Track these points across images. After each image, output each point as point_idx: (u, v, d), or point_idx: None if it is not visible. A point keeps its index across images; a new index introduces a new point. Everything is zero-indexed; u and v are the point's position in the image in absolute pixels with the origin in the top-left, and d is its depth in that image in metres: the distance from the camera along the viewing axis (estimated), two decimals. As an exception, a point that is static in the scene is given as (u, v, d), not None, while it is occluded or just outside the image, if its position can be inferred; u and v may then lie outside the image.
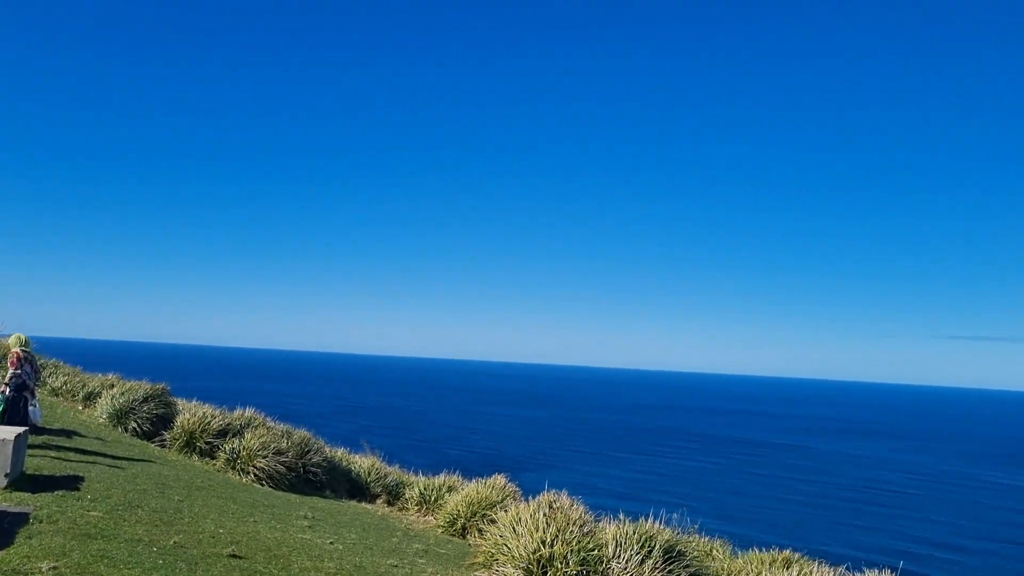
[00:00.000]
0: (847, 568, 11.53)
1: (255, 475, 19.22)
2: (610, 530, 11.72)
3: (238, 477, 19.13)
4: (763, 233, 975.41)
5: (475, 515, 17.36)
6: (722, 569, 12.84)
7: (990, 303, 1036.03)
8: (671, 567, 11.23)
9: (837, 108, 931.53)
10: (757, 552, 14.75)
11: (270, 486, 19.01)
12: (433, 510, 19.69)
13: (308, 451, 20.79)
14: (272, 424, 21.88)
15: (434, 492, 20.45)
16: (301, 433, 21.55)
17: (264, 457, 19.50)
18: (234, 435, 20.54)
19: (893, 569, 11.28)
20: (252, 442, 19.92)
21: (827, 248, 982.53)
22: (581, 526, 11.92)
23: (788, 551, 13.45)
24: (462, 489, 19.43)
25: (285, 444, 20.19)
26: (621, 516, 12.23)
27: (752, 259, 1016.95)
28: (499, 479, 18.81)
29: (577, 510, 12.55)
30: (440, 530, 17.73)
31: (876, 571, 11.33)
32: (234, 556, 10.51)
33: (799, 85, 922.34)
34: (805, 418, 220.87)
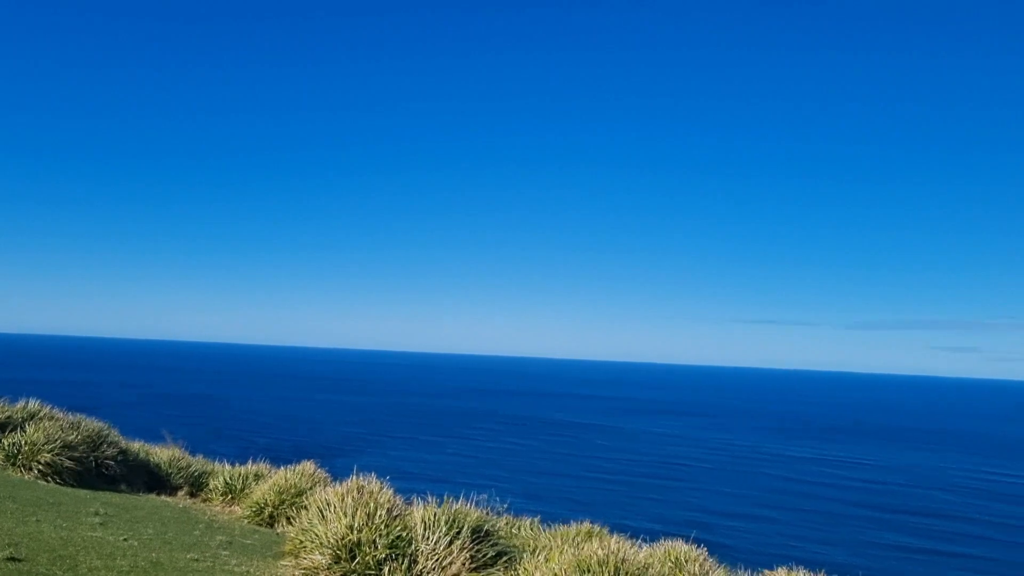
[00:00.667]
0: (643, 539, 12.17)
1: (39, 471, 17.84)
2: (419, 513, 11.77)
3: (20, 474, 17.70)
4: (580, 216, 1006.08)
5: (284, 503, 16.94)
6: (528, 545, 13.22)
7: (781, 290, 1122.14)
8: (479, 546, 11.42)
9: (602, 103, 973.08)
10: (562, 527, 15.30)
11: (57, 482, 17.70)
12: (239, 500, 19.03)
13: (101, 443, 19.50)
14: (60, 416, 20.36)
15: (240, 481, 19.75)
16: (92, 424, 20.17)
17: (50, 451, 18.15)
18: (14, 428, 18.99)
19: (685, 538, 12.01)
20: (35, 435, 18.48)
21: (639, 236, 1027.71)
22: (390, 510, 11.90)
23: (589, 523, 14.05)
24: (270, 477, 18.89)
25: (74, 437, 18.85)
26: (430, 499, 12.31)
27: (571, 244, 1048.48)
28: (309, 465, 18.43)
29: (386, 494, 12.50)
30: (246, 520, 17.17)
31: (670, 540, 12.01)
32: (12, 559, 9.72)
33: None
34: (612, 399, 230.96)
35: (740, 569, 13.04)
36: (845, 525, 64.55)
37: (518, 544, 13.42)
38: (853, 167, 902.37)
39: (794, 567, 12.35)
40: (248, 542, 14.33)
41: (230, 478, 19.96)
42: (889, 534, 61.92)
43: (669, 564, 10.50)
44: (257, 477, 19.71)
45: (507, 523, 16.17)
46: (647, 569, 9.81)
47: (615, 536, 12.30)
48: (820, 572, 12.22)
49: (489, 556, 11.43)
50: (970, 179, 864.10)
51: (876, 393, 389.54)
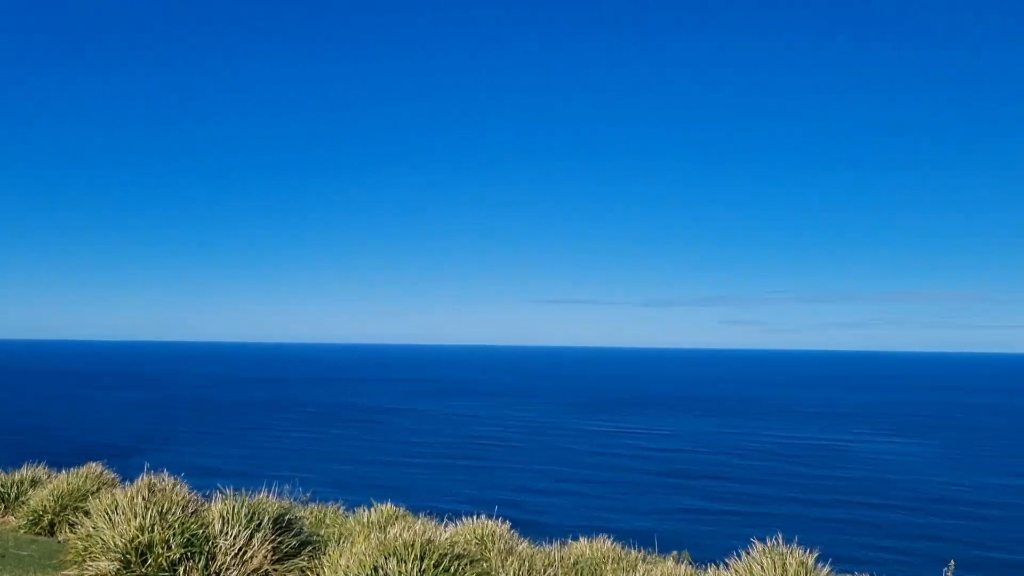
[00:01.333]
0: (450, 519, 12.23)
1: None
2: (217, 508, 11.23)
3: None
4: (374, 201, 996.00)
5: (65, 509, 15.66)
6: (333, 534, 12.95)
7: (581, 271, 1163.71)
8: (281, 537, 11.06)
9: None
10: (368, 512, 15.11)
11: None
12: (13, 509, 17.44)
13: None
14: None
15: (13, 488, 18.10)
16: None
17: None
18: None
19: (490, 515, 12.17)
20: None
21: (439, 219, 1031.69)
22: (185, 507, 11.27)
23: (394, 507, 13.98)
24: (50, 482, 17.43)
25: None
26: (230, 493, 11.78)
27: (362, 228, 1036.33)
28: (94, 467, 17.13)
29: (181, 491, 11.84)
30: (22, 530, 15.75)
31: (476, 518, 12.13)
32: None
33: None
34: (415, 382, 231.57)
35: (545, 542, 13.38)
36: (644, 493, 68.07)
37: (324, 533, 13.13)
38: (632, 152, 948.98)
39: (595, 536, 12.84)
40: (24, 553, 13.16)
41: (1, 486, 18.25)
42: (685, 498, 65.91)
43: (475, 541, 10.60)
44: (34, 483, 18.11)
45: (312, 512, 15.79)
46: (453, 547, 9.84)
47: (422, 518, 12.29)
48: (613, 539, 12.74)
49: (292, 547, 11.10)
50: (744, 165, 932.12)
51: (670, 367, 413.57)
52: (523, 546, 10.80)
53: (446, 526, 11.61)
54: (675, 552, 13.54)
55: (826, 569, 9.51)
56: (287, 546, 11.03)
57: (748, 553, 9.79)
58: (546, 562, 10.02)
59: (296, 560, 10.90)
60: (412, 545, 10.01)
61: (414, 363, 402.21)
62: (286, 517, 11.48)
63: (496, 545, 10.17)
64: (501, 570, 9.53)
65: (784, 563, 9.18)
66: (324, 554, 10.84)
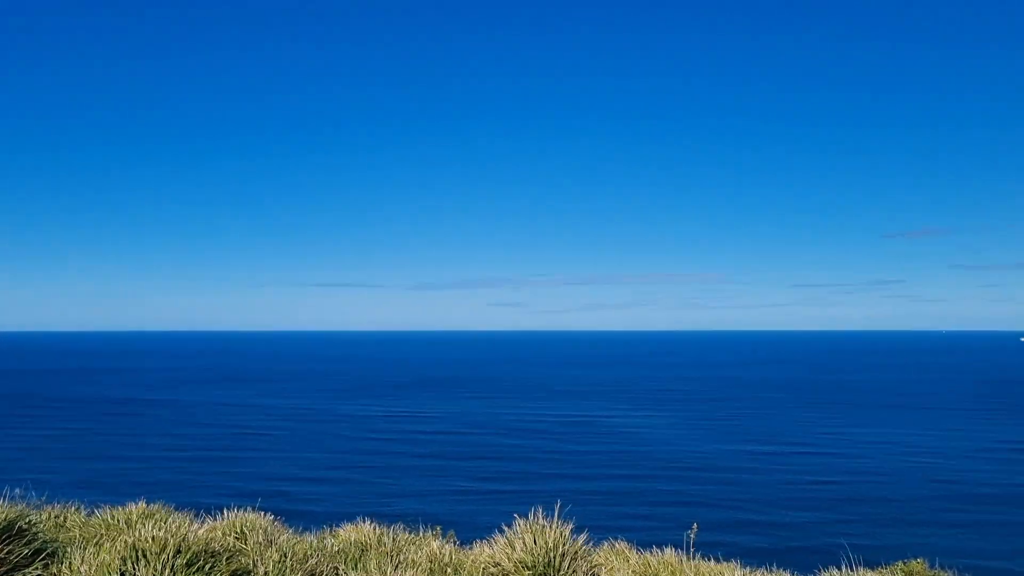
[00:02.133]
0: (208, 514, 11.65)
1: None
2: (-69, 519, 9.97)
3: None
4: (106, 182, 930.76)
5: None
6: (74, 539, 11.92)
7: (347, 254, 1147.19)
8: (10, 546, 10.00)
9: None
10: (116, 511, 14.05)
11: None
12: None
13: None
14: None
15: None
16: None
17: None
18: None
19: (252, 507, 11.72)
20: None
21: (187, 204, 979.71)
22: None
23: (143, 503, 13.09)
24: None
25: None
26: (-50, 502, 10.50)
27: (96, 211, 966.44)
28: None
29: None
30: None
31: (236, 511, 11.62)
32: None
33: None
34: (176, 370, 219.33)
35: (312, 530, 13.07)
36: (413, 475, 68.50)
37: (63, 538, 12.05)
38: (401, 133, 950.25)
39: (362, 520, 12.69)
40: None
41: None
42: (453, 479, 67.02)
43: (234, 535, 10.13)
44: None
45: (51, 516, 14.45)
46: (209, 543, 9.35)
47: (177, 515, 11.60)
48: (391, 523, 12.69)
49: (24, 556, 10.07)
50: (507, 149, 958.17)
51: (439, 349, 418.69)
52: (285, 537, 10.46)
53: (203, 522, 11.02)
54: (439, 530, 13.67)
55: (582, 537, 9.97)
56: (17, 555, 10.00)
57: (510, 529, 10.07)
58: (307, 551, 9.77)
59: (29, 570, 9.91)
60: (164, 544, 9.41)
61: (173, 351, 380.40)
62: (17, 524, 10.39)
63: (254, 538, 9.78)
64: (260, 563, 9.18)
65: (544, 536, 9.52)
66: (63, 561, 9.93)
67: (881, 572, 10.93)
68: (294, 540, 10.34)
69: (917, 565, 14.37)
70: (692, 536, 11.73)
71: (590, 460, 76.23)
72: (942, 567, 14.16)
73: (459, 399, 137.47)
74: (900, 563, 14.38)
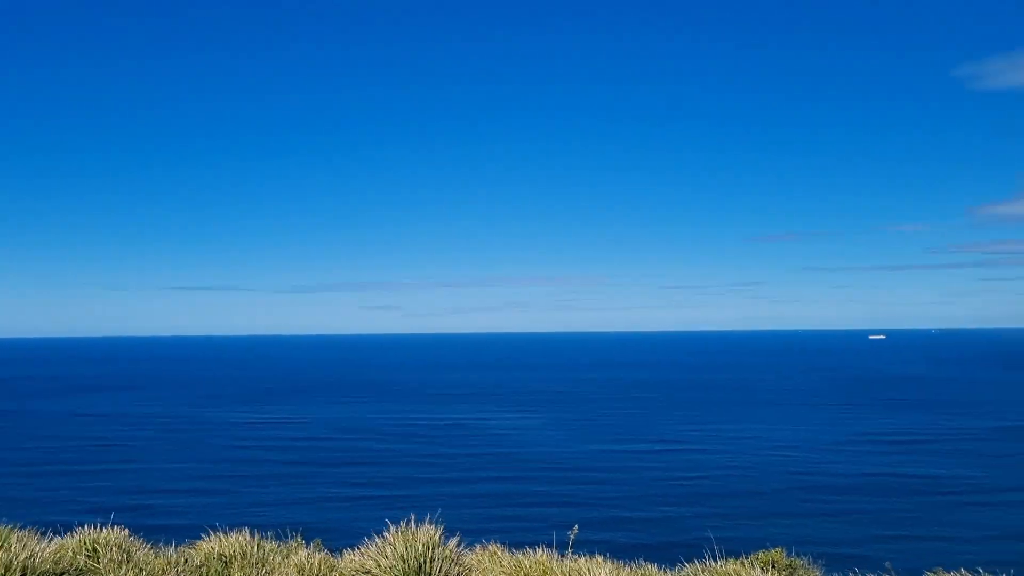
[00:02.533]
0: (58, 532, 10.96)
1: None
2: None
3: None
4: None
5: None
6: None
7: (215, 256, 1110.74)
8: None
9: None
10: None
11: None
12: None
13: None
14: None
15: None
16: None
17: None
18: None
19: (105, 523, 11.10)
20: None
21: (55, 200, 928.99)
22: None
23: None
24: None
25: None
26: None
27: None
28: None
29: None
30: None
31: (92, 527, 10.98)
32: None
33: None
34: (30, 380, 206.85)
35: (174, 544, 12.50)
36: (283, 483, 66.81)
37: None
38: (262, 137, 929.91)
39: (226, 532, 12.23)
40: None
41: None
42: (325, 486, 65.72)
43: (85, 553, 9.56)
44: None
45: None
46: (59, 563, 8.79)
47: (21, 533, 10.85)
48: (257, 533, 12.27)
49: None
50: (372, 152, 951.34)
51: (311, 354, 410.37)
52: (143, 552, 9.96)
53: (51, 540, 10.37)
54: (308, 539, 13.35)
55: (454, 541, 9.92)
56: None
57: (381, 535, 9.91)
58: (166, 566, 9.33)
59: None
60: (8, 565, 8.80)
61: (20, 359, 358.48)
62: None
63: (108, 555, 9.26)
64: (113, 581, 8.69)
65: (415, 541, 9.42)
66: None
67: (743, 562, 11.34)
68: (152, 555, 9.86)
69: (776, 554, 14.98)
70: (572, 536, 11.86)
71: (464, 463, 76.33)
72: (799, 555, 14.82)
73: (331, 404, 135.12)
74: (761, 552, 14.95)
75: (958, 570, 8.92)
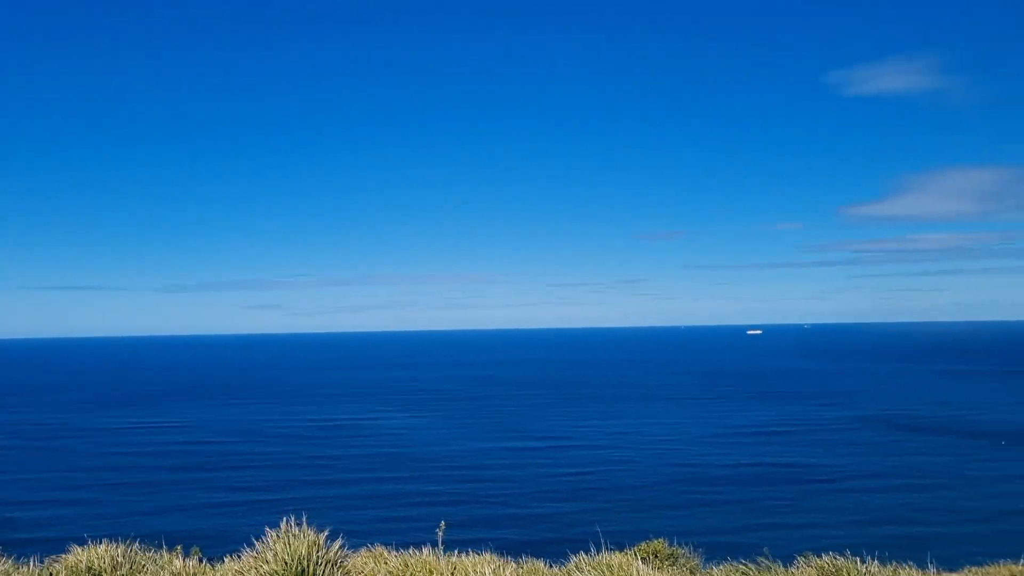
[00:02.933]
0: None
1: None
2: None
3: None
4: None
5: None
6: None
7: (88, 254, 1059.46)
8: None
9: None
10: None
11: None
12: None
13: None
14: None
15: None
16: None
17: None
18: None
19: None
20: None
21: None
22: None
23: None
24: None
25: None
26: None
27: None
28: None
29: None
30: None
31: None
32: None
33: None
34: None
35: (37, 558, 11.80)
36: (160, 490, 64.30)
37: None
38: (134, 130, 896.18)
39: (95, 543, 11.65)
40: None
41: None
42: (204, 492, 63.58)
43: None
44: None
45: None
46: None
47: None
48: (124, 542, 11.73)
49: None
50: (249, 150, 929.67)
51: (189, 355, 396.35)
52: (2, 568, 9.34)
53: None
54: (185, 548, 12.85)
55: (337, 543, 9.72)
56: None
57: (261, 540, 9.61)
58: (27, 582, 8.77)
59: None
60: None
61: None
62: None
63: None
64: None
65: (296, 545, 9.17)
66: None
67: (626, 554, 11.53)
68: (12, 570, 9.26)
69: (658, 544, 15.32)
70: (440, 533, 11.83)
71: (350, 464, 75.30)
72: (680, 545, 15.22)
73: (212, 407, 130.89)
74: (644, 543, 15.27)
75: (827, 553, 9.32)
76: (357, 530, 12.46)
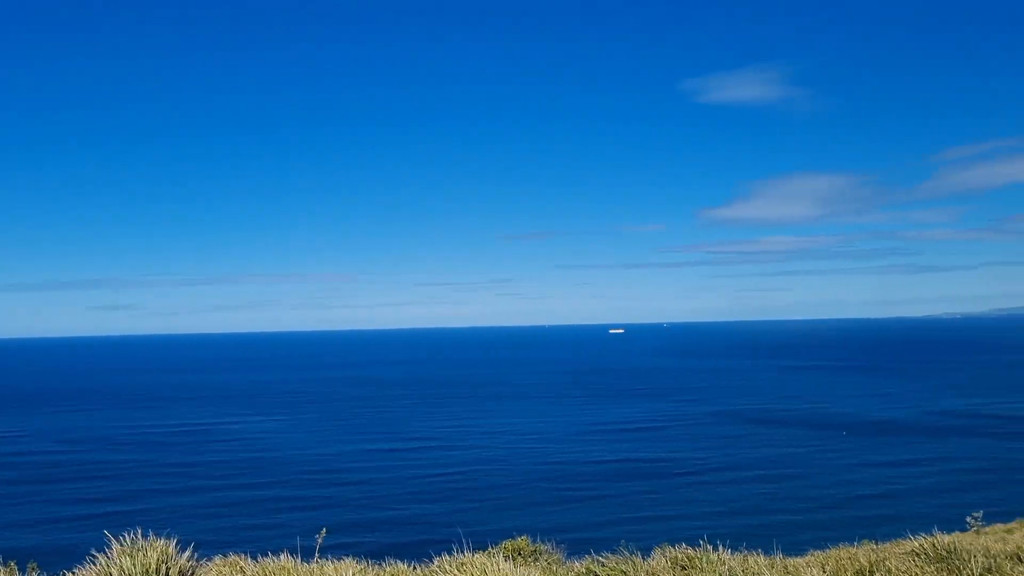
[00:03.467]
0: None
1: None
2: None
3: None
4: None
5: None
6: None
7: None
8: None
9: None
10: None
11: None
12: None
13: None
14: None
15: None
16: None
17: None
18: None
19: None
20: None
21: None
22: None
23: None
24: None
25: None
26: None
27: None
28: None
29: None
30: None
31: None
32: None
33: None
34: None
35: None
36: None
37: None
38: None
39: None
40: None
41: None
42: (43, 506, 59.97)
43: None
44: None
45: None
46: None
47: None
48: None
49: None
50: (102, 146, 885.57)
51: (30, 358, 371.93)
52: None
53: None
54: (32, 564, 12.04)
55: (187, 554, 9.29)
56: None
57: (105, 554, 9.07)
58: None
59: None
60: None
61: None
62: None
63: None
64: None
65: (144, 557, 8.70)
66: None
67: (490, 552, 11.55)
68: None
69: (522, 542, 15.45)
70: (320, 540, 11.52)
71: (209, 471, 72.61)
72: (543, 541, 15.39)
73: (55, 414, 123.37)
74: (507, 542, 15.35)
75: (681, 544, 9.62)
76: (215, 540, 12.02)
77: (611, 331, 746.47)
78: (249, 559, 11.95)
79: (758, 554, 8.98)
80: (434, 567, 10.73)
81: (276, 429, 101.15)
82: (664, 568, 8.54)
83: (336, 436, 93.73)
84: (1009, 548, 9.35)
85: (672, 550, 9.06)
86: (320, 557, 11.69)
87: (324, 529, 12.10)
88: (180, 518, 51.39)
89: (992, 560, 6.94)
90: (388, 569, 11.46)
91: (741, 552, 9.17)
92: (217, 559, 11.61)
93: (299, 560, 10.80)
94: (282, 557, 10.78)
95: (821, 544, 17.14)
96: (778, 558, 9.40)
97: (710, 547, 9.52)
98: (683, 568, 8.36)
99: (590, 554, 11.25)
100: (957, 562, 7.18)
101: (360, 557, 12.60)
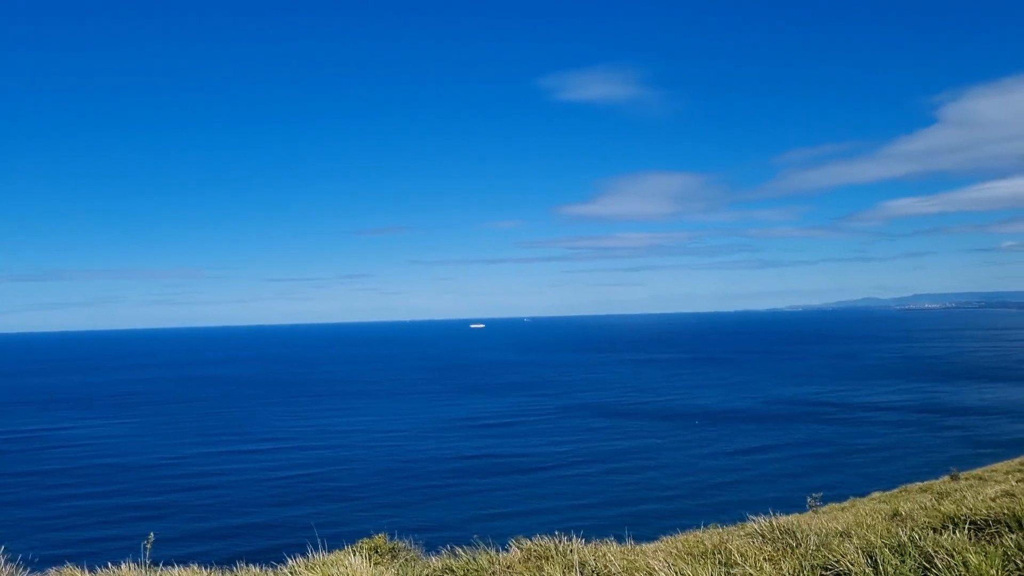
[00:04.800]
0: None
1: None
2: None
3: None
4: None
5: None
6: None
7: None
8: None
9: None
10: None
11: None
12: None
13: None
14: None
15: None
16: None
17: None
18: None
19: None
20: None
21: None
22: None
23: None
24: None
25: None
26: None
27: None
28: None
29: None
30: None
31: None
32: None
33: None
34: None
35: None
36: None
37: None
38: None
39: None
40: None
41: None
42: None
43: None
44: None
45: None
46: None
47: None
48: None
49: None
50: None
51: None
52: None
53: None
54: None
55: (10, 568, 8.74)
56: None
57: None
58: None
59: None
60: None
61: None
62: None
63: None
64: None
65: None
66: None
67: (346, 551, 11.35)
68: None
69: (379, 540, 15.27)
70: (148, 546, 11.01)
71: (41, 481, 68.40)
72: (400, 539, 15.28)
73: None
74: (364, 540, 15.16)
75: (537, 536, 9.74)
76: (48, 555, 11.28)
77: (472, 326, 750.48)
78: (86, 571, 11.31)
79: (610, 542, 9.23)
80: (287, 569, 10.45)
81: (118, 433, 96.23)
82: (519, 560, 8.64)
83: (184, 439, 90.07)
84: (840, 526, 10.00)
85: (527, 542, 9.17)
86: (162, 566, 11.20)
87: (152, 534, 11.63)
88: (13, 533, 48.10)
89: (823, 538, 7.42)
90: (240, 574, 11.09)
91: (593, 542, 9.40)
92: (51, 572, 10.95)
93: (145, 570, 10.30)
94: (123, 567, 10.26)
95: (674, 531, 17.80)
96: (629, 545, 9.69)
97: (565, 538, 9.69)
98: (537, 559, 8.49)
99: (448, 546, 11.24)
100: (792, 541, 7.61)
101: (209, 565, 12.14)
